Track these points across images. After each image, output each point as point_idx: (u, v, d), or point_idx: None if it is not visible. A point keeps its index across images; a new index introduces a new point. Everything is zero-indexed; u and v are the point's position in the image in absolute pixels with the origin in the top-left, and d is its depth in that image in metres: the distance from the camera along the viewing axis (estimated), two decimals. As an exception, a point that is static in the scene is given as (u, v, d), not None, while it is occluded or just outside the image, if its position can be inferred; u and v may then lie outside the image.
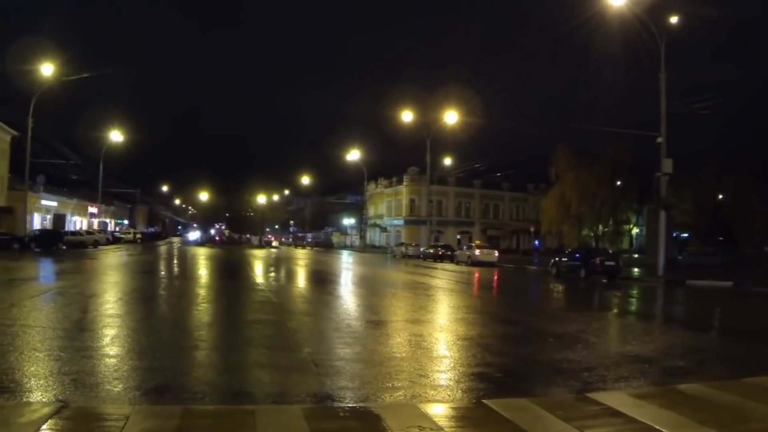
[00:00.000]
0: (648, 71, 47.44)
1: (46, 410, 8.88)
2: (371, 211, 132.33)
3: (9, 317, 17.34)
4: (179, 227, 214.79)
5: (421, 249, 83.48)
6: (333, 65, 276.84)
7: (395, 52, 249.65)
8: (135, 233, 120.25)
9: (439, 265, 64.37)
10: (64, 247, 69.06)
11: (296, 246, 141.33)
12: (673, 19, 43.27)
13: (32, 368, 11.61)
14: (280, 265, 56.41)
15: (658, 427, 8.70)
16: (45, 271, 39.21)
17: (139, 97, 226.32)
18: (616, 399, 10.27)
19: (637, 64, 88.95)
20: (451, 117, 75.68)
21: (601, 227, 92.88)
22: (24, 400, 9.60)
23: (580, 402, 10.20)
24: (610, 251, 55.30)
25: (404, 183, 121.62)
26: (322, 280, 36.91)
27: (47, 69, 60.91)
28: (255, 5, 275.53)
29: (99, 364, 12.10)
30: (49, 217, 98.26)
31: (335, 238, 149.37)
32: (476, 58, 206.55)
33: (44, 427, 8.17)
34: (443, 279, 41.17)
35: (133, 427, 8.25)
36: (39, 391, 10.02)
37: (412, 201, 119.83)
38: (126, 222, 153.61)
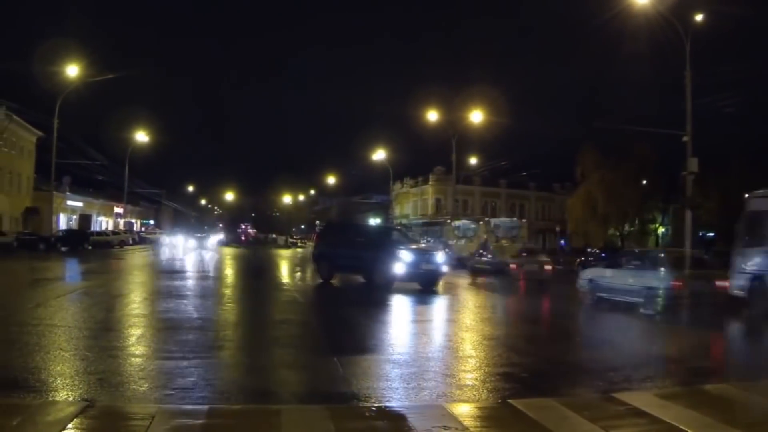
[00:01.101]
0: (673, 69, 47.18)
1: (71, 409, 8.90)
2: (397, 210, 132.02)
3: (35, 317, 17.42)
4: (205, 227, 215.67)
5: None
6: (358, 65, 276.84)
7: (421, 53, 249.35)
8: (161, 233, 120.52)
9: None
10: (90, 247, 69.28)
11: None
12: (699, 17, 43.00)
13: (58, 367, 11.64)
14: (305, 264, 56.41)
15: (683, 428, 8.64)
16: (71, 271, 39.38)
17: (165, 97, 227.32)
18: (641, 399, 10.20)
19: (663, 63, 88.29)
20: (476, 116, 75.41)
21: (627, 226, 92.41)
22: (50, 399, 9.63)
23: (606, 402, 10.15)
24: (636, 251, 55.06)
25: (430, 182, 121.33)
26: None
27: (72, 70, 61.10)
28: (283, 8, 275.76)
29: (125, 364, 12.13)
30: (75, 217, 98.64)
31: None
32: (502, 57, 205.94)
33: (70, 426, 8.19)
34: (469, 278, 41.03)
35: (158, 426, 8.25)
36: (65, 390, 10.05)
37: (437, 200, 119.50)
38: (152, 222, 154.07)
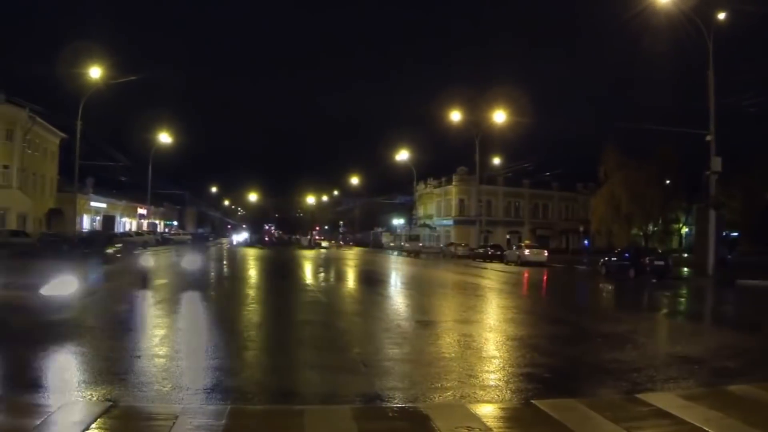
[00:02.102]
0: (696, 68, 47.02)
1: (95, 409, 8.94)
2: (420, 211, 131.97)
3: (58, 318, 17.47)
4: (228, 228, 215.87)
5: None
6: (383, 66, 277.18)
7: (444, 53, 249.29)
8: (185, 234, 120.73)
9: (489, 265, 64.06)
10: (113, 249, 69.38)
11: (345, 246, 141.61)
12: (721, 15, 42.83)
13: (81, 368, 11.69)
14: (329, 265, 56.44)
15: (706, 429, 8.61)
16: (94, 272, 39.47)
17: (188, 98, 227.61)
18: (665, 400, 10.16)
19: (685, 62, 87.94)
20: (499, 116, 75.41)
21: (650, 226, 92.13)
22: (73, 399, 9.66)
23: (629, 403, 10.11)
24: (660, 251, 54.86)
25: (453, 183, 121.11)
26: (371, 280, 36.86)
27: (95, 72, 61.29)
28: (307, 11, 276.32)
29: (148, 364, 12.16)
30: (98, 218, 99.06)
31: (385, 238, 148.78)
32: (524, 58, 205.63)
33: (93, 426, 8.23)
34: (493, 279, 40.99)
35: (181, 426, 8.28)
36: (88, 391, 10.09)
37: (461, 201, 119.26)
38: (175, 223, 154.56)
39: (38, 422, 8.27)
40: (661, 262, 44.45)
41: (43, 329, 15.01)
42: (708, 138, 43.46)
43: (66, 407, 9.06)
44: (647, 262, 44.10)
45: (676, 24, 42.86)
